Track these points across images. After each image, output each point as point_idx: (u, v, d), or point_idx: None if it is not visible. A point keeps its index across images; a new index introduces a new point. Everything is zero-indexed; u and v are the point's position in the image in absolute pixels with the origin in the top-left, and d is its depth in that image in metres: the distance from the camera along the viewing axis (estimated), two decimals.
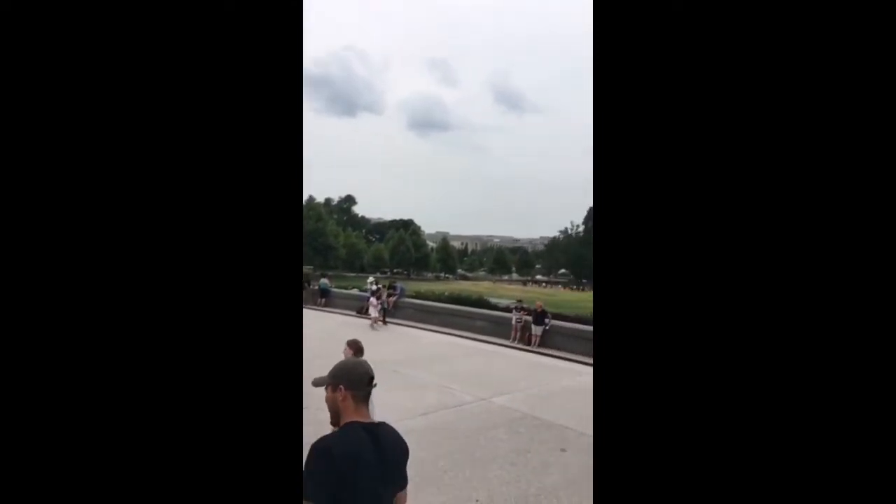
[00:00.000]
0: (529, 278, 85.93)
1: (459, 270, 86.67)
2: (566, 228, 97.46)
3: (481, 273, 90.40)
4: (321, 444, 1.60)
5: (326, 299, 17.78)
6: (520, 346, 12.39)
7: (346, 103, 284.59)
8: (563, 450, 5.32)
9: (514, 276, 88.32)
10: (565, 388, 8.36)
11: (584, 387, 8.49)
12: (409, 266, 77.90)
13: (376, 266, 72.17)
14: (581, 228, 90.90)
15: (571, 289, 71.31)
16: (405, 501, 1.74)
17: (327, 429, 1.74)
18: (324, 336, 8.79)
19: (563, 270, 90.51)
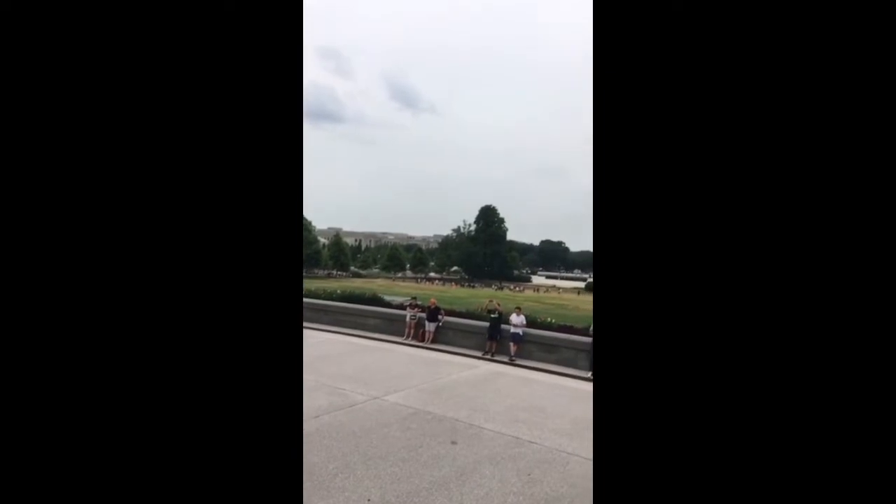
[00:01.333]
0: (423, 276, 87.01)
1: (353, 268, 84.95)
2: (459, 227, 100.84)
3: (375, 270, 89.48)
4: None
5: None
6: (413, 342, 12.51)
7: None
8: (453, 442, 5.47)
9: (409, 273, 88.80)
10: (456, 381, 8.61)
11: (473, 379, 8.83)
12: None
13: None
14: (473, 227, 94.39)
15: (462, 286, 73.63)
16: None
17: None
18: None
19: (455, 268, 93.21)
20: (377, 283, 55.62)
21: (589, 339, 10.77)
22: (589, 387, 9.30)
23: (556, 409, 7.16)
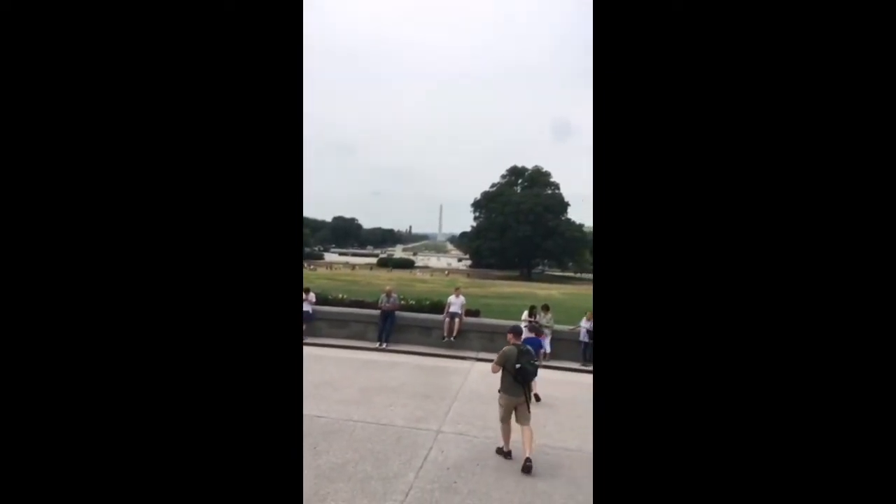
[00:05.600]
0: None
1: None
2: None
3: None
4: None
5: None
6: None
7: None
8: None
9: None
10: None
11: None
12: None
13: None
14: None
15: None
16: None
17: None
18: None
19: None
20: None
21: (377, 312, 11.25)
22: (374, 355, 9.79)
23: (345, 381, 7.39)
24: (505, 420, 4.93)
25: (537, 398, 6.79)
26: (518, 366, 4.78)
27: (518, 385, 4.82)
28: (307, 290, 12.08)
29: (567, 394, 7.78)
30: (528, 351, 5.03)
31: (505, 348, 5.06)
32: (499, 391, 4.99)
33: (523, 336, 6.12)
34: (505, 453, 4.91)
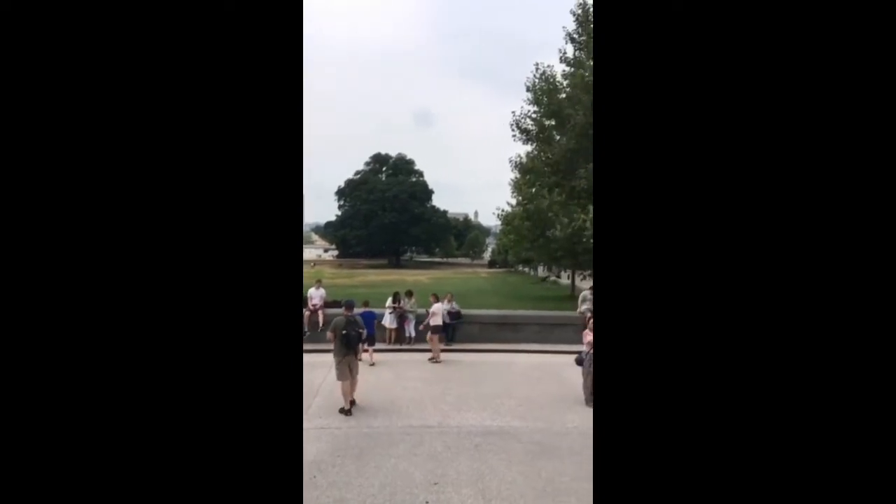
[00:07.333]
0: None
1: None
2: None
3: None
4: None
5: None
6: None
7: None
8: None
9: None
10: None
11: None
12: None
13: None
14: None
15: None
16: None
17: None
18: None
19: None
20: None
21: None
22: None
23: None
24: (342, 378, 5.98)
25: (372, 362, 8.49)
26: (344, 332, 5.99)
27: (345, 347, 6.00)
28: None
29: (433, 375, 8.07)
30: (355, 321, 6.23)
31: (336, 318, 6.23)
32: (333, 355, 6.06)
33: (362, 310, 8.35)
34: (346, 411, 5.90)
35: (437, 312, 9.52)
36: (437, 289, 14.32)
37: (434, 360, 9.10)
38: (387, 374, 8.08)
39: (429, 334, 9.52)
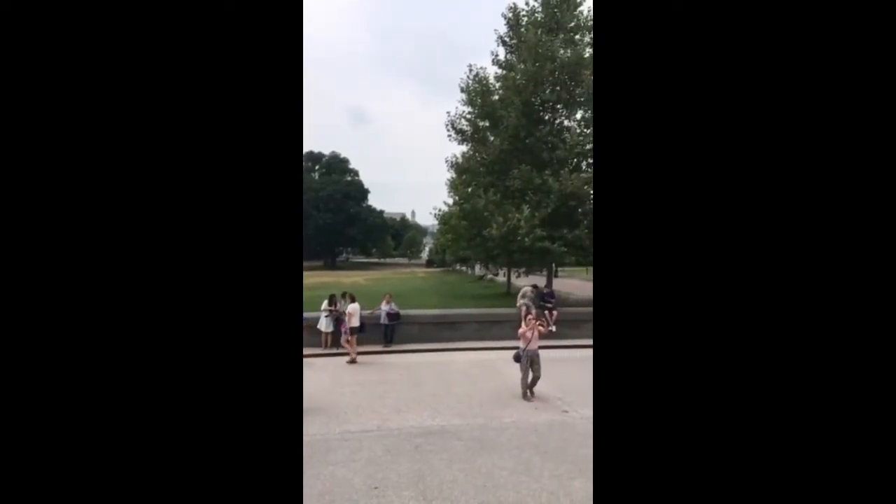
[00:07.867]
0: None
1: None
2: None
3: None
4: None
5: None
6: None
7: None
8: None
9: None
10: None
11: None
12: None
13: None
14: None
15: None
16: None
17: None
18: None
19: None
20: None
21: None
22: None
23: None
24: None
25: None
26: None
27: None
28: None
29: (372, 378, 7.96)
30: None
31: None
32: None
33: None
34: None
35: (354, 313, 9.45)
36: (376, 290, 14.14)
37: (352, 361, 9.06)
38: (323, 378, 7.87)
39: (344, 336, 9.46)
